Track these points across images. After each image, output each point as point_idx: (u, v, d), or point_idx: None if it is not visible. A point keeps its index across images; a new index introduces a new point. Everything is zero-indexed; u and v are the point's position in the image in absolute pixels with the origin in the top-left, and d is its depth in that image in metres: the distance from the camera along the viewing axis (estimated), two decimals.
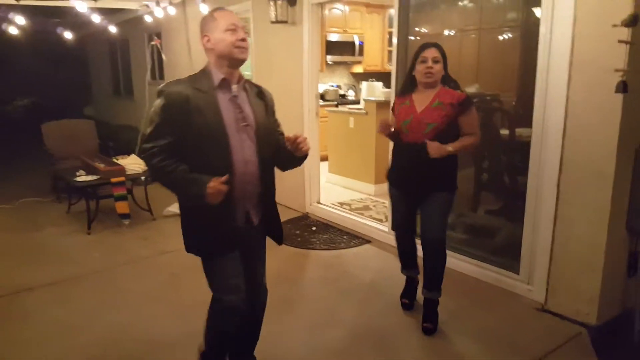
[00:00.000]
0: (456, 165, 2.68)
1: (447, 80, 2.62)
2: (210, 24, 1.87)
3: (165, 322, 2.88)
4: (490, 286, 3.22)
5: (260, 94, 2.04)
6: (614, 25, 2.08)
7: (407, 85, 2.70)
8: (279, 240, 2.16)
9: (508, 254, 3.22)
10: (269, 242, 2.16)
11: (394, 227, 2.97)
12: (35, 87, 12.58)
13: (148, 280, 3.49)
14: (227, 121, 1.85)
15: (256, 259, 2.15)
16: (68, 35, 7.35)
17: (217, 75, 1.88)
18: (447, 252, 2.77)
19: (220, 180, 1.76)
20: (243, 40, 1.86)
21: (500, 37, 3.61)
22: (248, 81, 2.01)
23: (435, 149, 2.45)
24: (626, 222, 2.73)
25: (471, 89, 3.72)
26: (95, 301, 3.18)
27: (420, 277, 2.90)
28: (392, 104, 2.86)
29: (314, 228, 4.56)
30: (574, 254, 2.77)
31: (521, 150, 3.10)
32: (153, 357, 2.56)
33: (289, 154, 1.96)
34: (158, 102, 1.83)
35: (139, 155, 1.93)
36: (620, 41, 2.12)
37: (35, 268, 3.70)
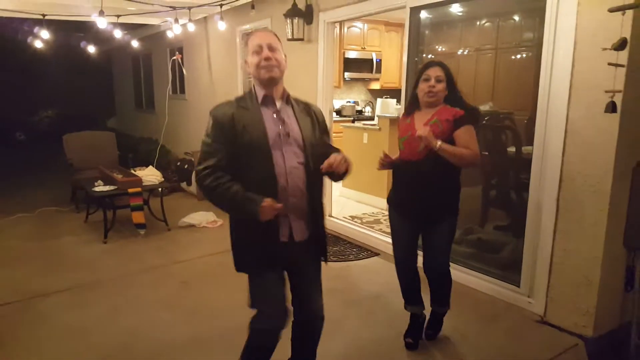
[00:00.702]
0: (457, 187, 2.61)
1: (453, 100, 2.54)
2: (246, 49, 2.01)
3: (175, 327, 3.00)
4: (493, 299, 3.30)
5: (307, 109, 2.08)
6: (604, 49, 2.18)
7: (411, 103, 2.65)
8: (324, 258, 2.13)
9: (511, 268, 3.29)
10: None
11: (396, 260, 2.76)
12: (60, 99, 13.04)
13: (160, 287, 3.62)
14: (270, 135, 1.91)
15: (305, 279, 2.11)
16: (92, 49, 7.68)
17: (260, 92, 1.98)
18: (453, 265, 2.81)
19: (273, 203, 1.83)
20: (267, 59, 1.92)
21: (516, 57, 3.68)
22: (295, 98, 2.09)
23: (425, 130, 2.37)
24: (623, 237, 2.79)
25: (485, 107, 3.81)
26: (109, 306, 3.31)
27: (426, 310, 2.86)
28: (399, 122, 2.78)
29: None
30: (572, 268, 2.84)
31: (528, 167, 3.15)
32: (163, 359, 2.68)
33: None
34: (210, 123, 1.94)
35: (195, 179, 1.98)
36: (610, 64, 2.22)
37: (51, 274, 3.86)
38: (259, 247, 1.96)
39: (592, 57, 2.62)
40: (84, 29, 7.88)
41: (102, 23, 5.00)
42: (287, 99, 2.04)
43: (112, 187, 4.69)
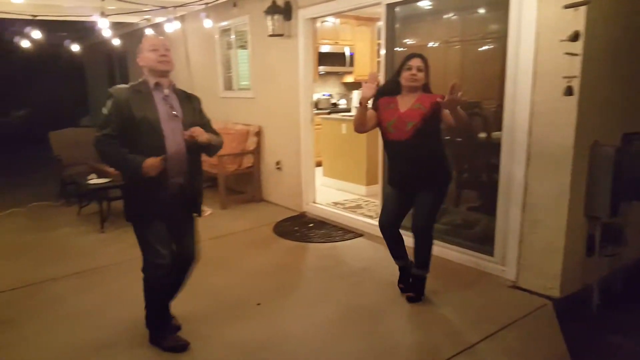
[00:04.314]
0: (445, 163, 2.99)
1: (425, 89, 2.95)
2: (140, 47, 2.49)
3: (183, 302, 3.09)
4: (469, 268, 3.62)
5: (188, 98, 2.62)
6: (562, 40, 2.49)
7: (392, 88, 3.00)
8: (198, 212, 2.72)
9: (484, 241, 3.62)
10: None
11: (380, 225, 3.16)
12: (31, 99, 12.82)
13: None
14: (161, 114, 2.42)
15: (182, 228, 2.66)
16: (74, 48, 7.67)
17: (152, 81, 2.47)
18: (434, 241, 3.15)
19: (156, 159, 2.33)
20: (163, 55, 2.44)
21: (483, 48, 3.91)
22: (179, 88, 2.60)
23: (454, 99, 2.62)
24: (584, 208, 3.13)
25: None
26: (117, 288, 3.51)
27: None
28: (376, 104, 3.04)
29: (311, 225, 4.92)
30: (540, 237, 3.17)
31: (498, 151, 3.42)
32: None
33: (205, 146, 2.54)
34: (108, 101, 2.40)
35: (93, 143, 2.42)
36: (566, 53, 2.53)
37: (56, 262, 4.03)
38: (147, 202, 2.47)
39: (551, 47, 2.92)
40: (56, 28, 7.84)
41: (103, 24, 5.10)
42: (172, 88, 2.54)
43: (106, 180, 4.84)
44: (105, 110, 2.38)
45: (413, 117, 2.86)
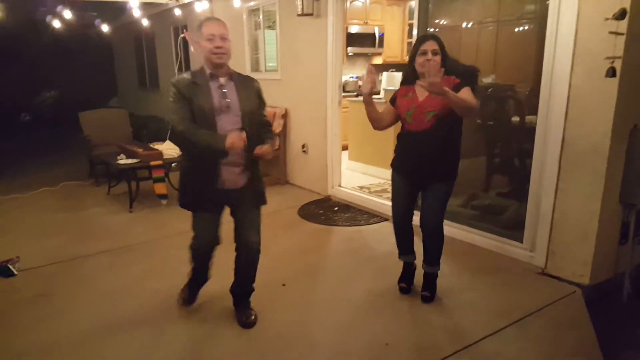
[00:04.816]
0: (458, 156, 2.83)
1: (447, 68, 2.61)
2: (198, 34, 2.44)
3: (211, 282, 3.12)
4: (496, 254, 3.56)
5: (246, 82, 2.57)
6: (606, 19, 2.38)
7: (409, 77, 2.81)
8: (260, 202, 2.71)
9: (513, 227, 3.55)
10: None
11: (394, 218, 3.04)
12: (60, 81, 13.08)
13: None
14: (215, 105, 2.40)
15: (243, 216, 2.67)
16: (102, 29, 7.76)
17: (208, 71, 2.45)
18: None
19: (236, 133, 2.33)
20: (218, 47, 2.38)
21: (518, 29, 3.78)
22: (237, 73, 2.55)
23: (434, 82, 2.38)
24: (619, 195, 3.04)
25: (487, 80, 3.98)
26: (145, 266, 3.60)
27: (418, 259, 3.12)
28: (393, 95, 2.94)
29: (336, 208, 4.92)
30: (572, 223, 3.09)
31: (531, 136, 3.32)
32: (203, 307, 2.93)
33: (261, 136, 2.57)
34: (172, 90, 2.43)
35: (172, 130, 2.46)
36: (610, 32, 2.43)
37: (87, 241, 4.13)
38: (200, 192, 2.53)
39: (593, 26, 2.80)
40: (84, 8, 7.91)
41: (134, 3, 5.15)
42: (230, 75, 2.50)
43: (135, 160, 4.91)
44: (172, 100, 2.42)
45: (434, 106, 2.67)
